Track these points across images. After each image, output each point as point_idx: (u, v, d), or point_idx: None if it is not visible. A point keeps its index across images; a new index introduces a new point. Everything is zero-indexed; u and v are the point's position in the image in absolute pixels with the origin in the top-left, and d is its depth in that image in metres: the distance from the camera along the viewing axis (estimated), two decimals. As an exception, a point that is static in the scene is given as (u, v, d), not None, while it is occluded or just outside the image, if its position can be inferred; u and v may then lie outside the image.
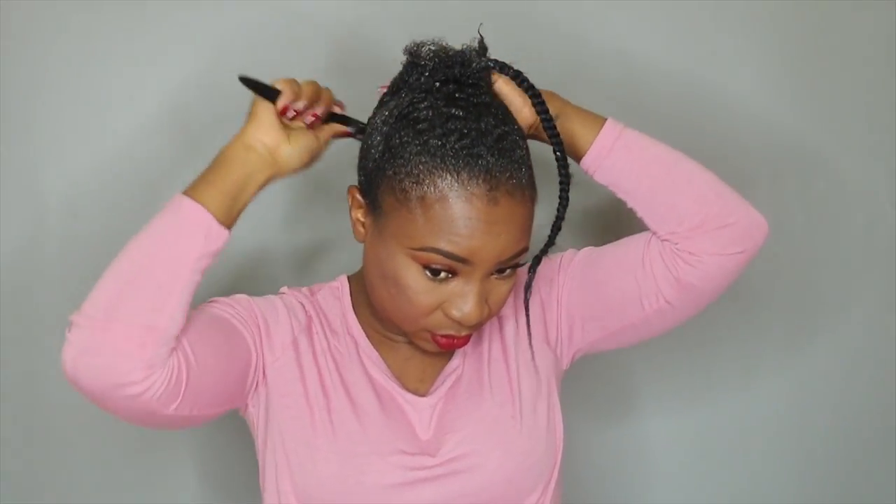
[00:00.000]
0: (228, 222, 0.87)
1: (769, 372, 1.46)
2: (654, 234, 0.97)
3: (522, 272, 0.98)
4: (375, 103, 0.95)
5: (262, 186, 0.90)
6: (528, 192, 0.87)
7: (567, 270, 1.03)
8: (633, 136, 0.96)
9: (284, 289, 1.02)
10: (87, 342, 0.81)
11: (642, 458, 1.46)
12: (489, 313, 0.91)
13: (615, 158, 0.95)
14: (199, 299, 0.90)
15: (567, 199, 0.94)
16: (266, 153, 0.89)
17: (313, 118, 0.91)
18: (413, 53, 0.90)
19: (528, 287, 0.99)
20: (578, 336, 1.03)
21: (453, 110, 0.86)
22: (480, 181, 0.84)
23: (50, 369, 1.26)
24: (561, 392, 1.04)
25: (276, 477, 0.94)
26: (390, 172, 0.87)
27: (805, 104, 1.39)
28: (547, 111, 0.92)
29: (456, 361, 0.99)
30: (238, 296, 0.96)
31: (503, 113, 0.89)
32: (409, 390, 0.96)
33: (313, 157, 0.93)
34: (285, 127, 0.91)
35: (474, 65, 0.89)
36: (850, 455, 1.51)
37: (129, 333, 0.80)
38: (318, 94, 0.91)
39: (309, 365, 0.95)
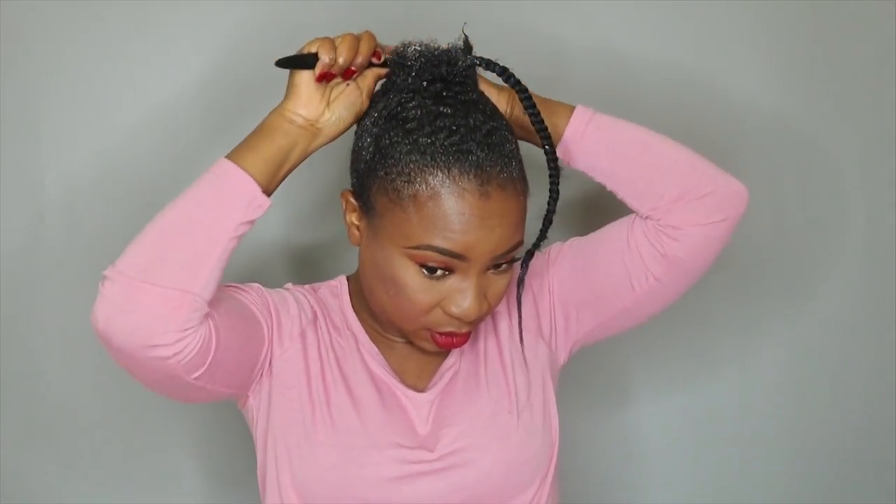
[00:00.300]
0: (270, 190, 0.87)
1: (764, 358, 1.46)
2: (637, 213, 0.98)
3: (515, 266, 0.98)
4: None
5: (307, 155, 0.90)
6: (519, 185, 0.88)
7: (556, 263, 1.03)
8: (605, 118, 0.97)
9: (289, 285, 1.02)
10: (121, 299, 0.80)
11: (639, 448, 1.47)
12: (488, 308, 0.91)
13: (589, 141, 0.96)
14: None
15: (557, 192, 0.94)
16: (307, 125, 0.88)
17: (354, 72, 0.89)
18: (399, 54, 0.91)
19: (520, 282, 0.99)
20: (573, 327, 1.04)
21: (441, 108, 0.87)
22: (472, 176, 0.85)
23: (50, 369, 1.27)
24: (558, 387, 1.04)
25: (276, 470, 0.94)
26: (381, 173, 0.87)
27: (805, 102, 1.39)
28: (534, 105, 0.93)
29: (453, 358, 1.00)
30: (253, 284, 0.96)
31: (491, 109, 0.91)
32: (407, 386, 0.97)
33: (358, 114, 0.92)
34: (325, 92, 0.89)
35: (460, 63, 0.90)
36: (847, 440, 1.51)
37: (165, 295, 0.80)
38: (355, 47, 0.88)
39: (313, 358, 0.95)
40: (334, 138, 0.91)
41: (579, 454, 1.34)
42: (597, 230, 1.03)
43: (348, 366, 0.96)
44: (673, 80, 1.33)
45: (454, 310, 0.89)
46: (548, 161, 0.93)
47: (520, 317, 1.01)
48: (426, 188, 0.85)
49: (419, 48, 0.90)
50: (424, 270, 0.87)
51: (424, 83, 0.89)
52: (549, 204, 0.94)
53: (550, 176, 0.94)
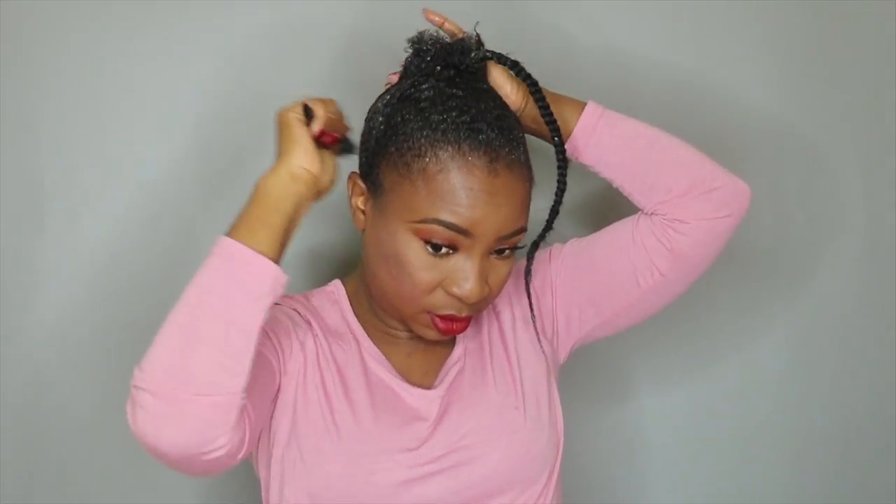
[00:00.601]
0: (280, 259, 0.84)
1: (765, 357, 1.46)
2: (642, 210, 1.00)
3: (519, 263, 1.00)
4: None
5: (303, 216, 0.88)
6: (525, 171, 0.90)
7: (557, 263, 1.04)
8: (615, 115, 0.99)
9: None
10: (168, 414, 0.77)
11: (641, 444, 1.46)
12: (489, 293, 0.91)
13: (600, 136, 0.98)
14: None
15: (565, 183, 0.96)
16: (311, 181, 0.86)
17: (333, 140, 0.90)
18: (415, 41, 0.93)
19: (527, 272, 1.00)
20: (576, 326, 1.04)
21: (454, 90, 0.89)
22: (481, 152, 0.86)
23: (50, 369, 1.26)
24: (559, 384, 1.05)
25: (280, 484, 0.94)
26: (392, 149, 0.89)
27: (805, 103, 1.39)
28: (544, 98, 0.95)
29: (458, 353, 1.00)
30: None
31: (500, 102, 0.93)
32: (414, 384, 0.97)
33: (332, 182, 0.92)
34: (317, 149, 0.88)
35: (473, 54, 0.92)
36: (847, 439, 1.50)
37: (214, 403, 0.77)
38: (339, 114, 0.90)
39: (312, 370, 0.95)
40: (323, 197, 0.90)
41: (581, 451, 1.34)
42: (597, 231, 1.04)
43: (350, 372, 0.96)
44: (674, 81, 1.34)
45: (456, 290, 0.89)
46: (556, 153, 0.95)
47: (531, 305, 1.01)
48: (436, 162, 0.86)
49: (432, 37, 0.92)
50: (429, 248, 0.88)
51: (438, 68, 0.90)
52: (556, 195, 0.96)
53: (559, 167, 0.95)
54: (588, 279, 1.02)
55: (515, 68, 0.94)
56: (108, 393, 1.28)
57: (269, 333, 0.93)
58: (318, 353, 0.95)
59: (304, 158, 0.85)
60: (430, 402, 0.96)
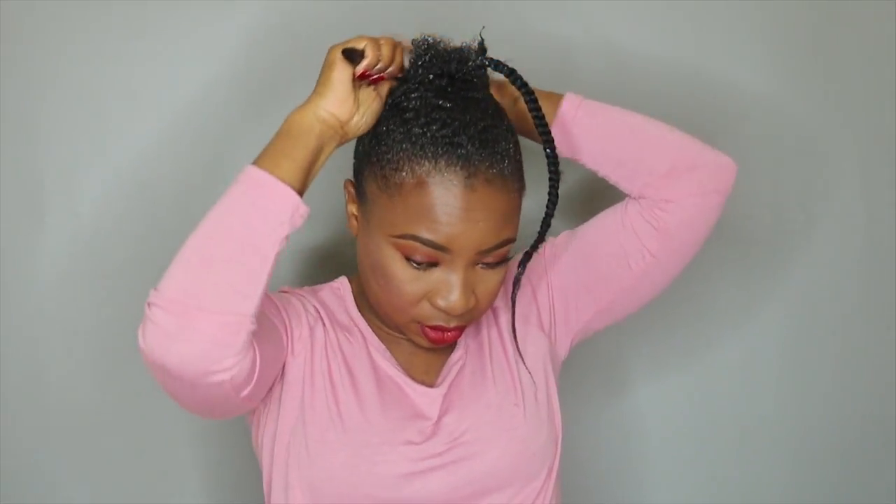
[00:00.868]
0: (303, 194, 0.85)
1: (764, 357, 1.46)
2: (629, 195, 1.00)
3: (513, 266, 0.99)
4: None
5: (328, 157, 0.88)
6: (510, 183, 0.88)
7: (551, 256, 1.05)
8: (593, 104, 0.99)
9: (286, 288, 1.02)
10: (177, 329, 0.78)
11: (639, 439, 1.47)
12: (477, 304, 0.91)
13: (580, 125, 0.98)
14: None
15: (556, 196, 0.95)
16: (338, 126, 0.87)
17: (382, 79, 0.89)
18: (418, 45, 0.92)
19: (516, 282, 1.00)
20: (574, 317, 1.05)
21: (441, 101, 0.88)
22: (458, 168, 0.85)
23: (50, 369, 1.27)
24: (559, 381, 1.05)
25: (285, 472, 0.94)
26: (374, 160, 0.89)
27: (805, 102, 1.39)
28: (539, 109, 0.93)
29: (459, 352, 1.01)
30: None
31: (494, 109, 0.91)
32: (417, 382, 0.97)
33: (376, 119, 0.91)
34: (356, 93, 0.88)
35: (470, 63, 0.91)
36: (847, 439, 1.50)
37: (224, 321, 0.78)
38: (394, 54, 0.89)
39: (320, 358, 0.95)
40: (346, 141, 0.91)
41: (579, 446, 1.34)
42: (587, 221, 1.05)
43: (357, 364, 0.96)
44: (674, 81, 1.34)
45: (440, 303, 0.89)
46: (548, 165, 0.94)
47: (513, 316, 1.01)
48: (412, 177, 0.86)
49: (431, 42, 0.91)
50: (412, 262, 0.88)
51: (431, 76, 0.89)
52: (547, 207, 0.95)
53: (550, 180, 0.94)
54: (582, 268, 1.03)
55: (511, 76, 0.93)
56: (108, 392, 1.28)
57: (280, 307, 0.94)
58: (326, 342, 0.96)
59: (333, 104, 0.85)
60: (434, 400, 0.96)
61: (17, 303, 1.24)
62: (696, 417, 1.47)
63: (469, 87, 0.90)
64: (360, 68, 0.85)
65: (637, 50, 1.32)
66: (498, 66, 0.92)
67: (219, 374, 0.79)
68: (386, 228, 0.88)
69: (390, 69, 0.89)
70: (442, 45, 0.91)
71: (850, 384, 1.49)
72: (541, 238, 0.97)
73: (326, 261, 1.30)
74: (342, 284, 1.03)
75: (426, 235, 0.86)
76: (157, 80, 1.22)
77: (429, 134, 0.86)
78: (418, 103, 0.88)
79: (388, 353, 0.98)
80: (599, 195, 1.04)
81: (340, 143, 0.89)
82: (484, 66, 0.92)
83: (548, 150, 0.94)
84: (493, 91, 0.96)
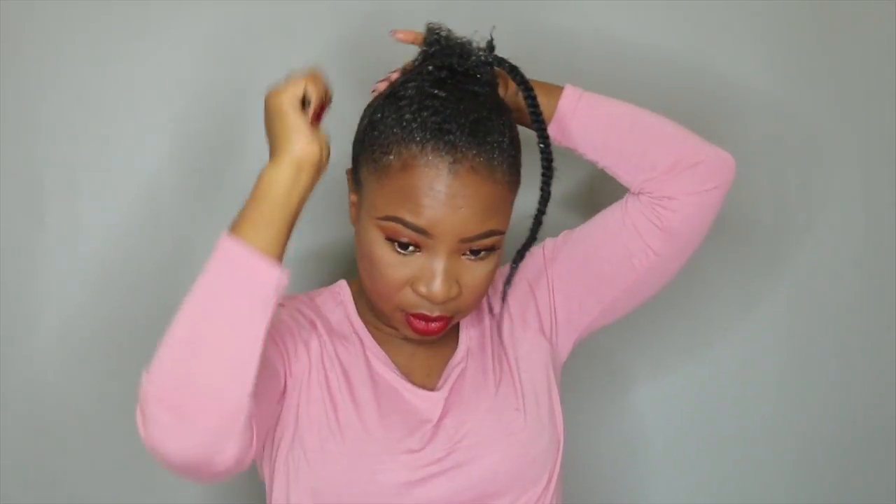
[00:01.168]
0: (282, 255, 0.82)
1: (764, 358, 1.46)
2: (629, 189, 1.00)
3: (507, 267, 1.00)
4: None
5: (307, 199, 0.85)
6: (498, 174, 0.88)
7: (553, 257, 1.04)
8: (594, 96, 0.99)
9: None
10: (175, 424, 0.76)
11: (640, 439, 1.47)
12: (460, 295, 0.90)
13: (581, 118, 0.98)
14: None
15: (549, 192, 0.95)
16: (316, 168, 0.83)
17: (321, 113, 0.87)
18: (426, 35, 0.92)
19: (507, 281, 1.00)
20: (577, 318, 1.04)
21: (436, 91, 0.88)
22: (444, 153, 0.85)
23: (50, 369, 1.26)
24: (559, 384, 1.05)
25: (286, 483, 0.94)
26: (368, 144, 0.89)
27: (805, 102, 1.39)
28: (537, 106, 0.94)
29: (460, 355, 1.00)
30: None
31: (493, 104, 0.91)
32: (417, 385, 0.97)
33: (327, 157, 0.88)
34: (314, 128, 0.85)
35: (473, 58, 0.91)
36: (847, 440, 1.51)
37: (221, 412, 0.76)
38: (325, 84, 0.87)
39: (317, 369, 0.95)
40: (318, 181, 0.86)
41: (580, 448, 1.34)
42: (587, 220, 1.05)
43: (354, 372, 0.96)
44: (675, 80, 1.34)
45: (422, 289, 0.89)
46: (542, 160, 0.94)
47: (501, 313, 1.01)
48: (398, 159, 0.86)
49: (440, 34, 0.91)
50: (396, 245, 0.88)
51: (431, 67, 0.90)
52: (540, 203, 0.95)
53: (543, 176, 0.94)
54: (584, 269, 1.02)
55: (512, 73, 0.93)
56: (108, 393, 1.28)
57: (275, 336, 0.92)
58: (322, 354, 0.95)
59: (305, 147, 0.81)
60: (435, 404, 0.96)
61: (17, 303, 1.24)
62: (697, 418, 1.47)
63: (470, 81, 0.90)
64: (312, 110, 0.83)
65: (640, 48, 1.32)
66: (500, 62, 0.93)
67: (222, 463, 0.78)
68: (372, 211, 0.89)
69: (327, 98, 0.87)
70: (450, 37, 0.92)
71: (851, 384, 1.49)
72: (533, 235, 0.97)
73: (327, 261, 1.30)
74: (342, 288, 1.03)
75: (408, 218, 0.86)
76: (158, 80, 1.22)
77: (419, 119, 0.86)
78: (413, 92, 0.88)
79: (386, 358, 0.97)
80: (599, 193, 1.04)
81: (317, 181, 0.85)
82: (487, 63, 0.92)
83: (542, 145, 0.94)
84: (500, 85, 0.95)
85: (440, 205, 0.85)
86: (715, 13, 1.34)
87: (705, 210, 0.99)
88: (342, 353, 0.96)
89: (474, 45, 0.92)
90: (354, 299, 1.01)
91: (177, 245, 1.24)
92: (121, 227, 1.24)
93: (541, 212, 0.96)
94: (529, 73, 0.97)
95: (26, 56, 1.19)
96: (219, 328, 0.77)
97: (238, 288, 0.78)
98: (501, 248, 0.92)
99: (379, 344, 0.99)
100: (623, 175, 1.00)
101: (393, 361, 0.98)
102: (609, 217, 1.02)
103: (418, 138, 0.86)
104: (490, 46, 0.94)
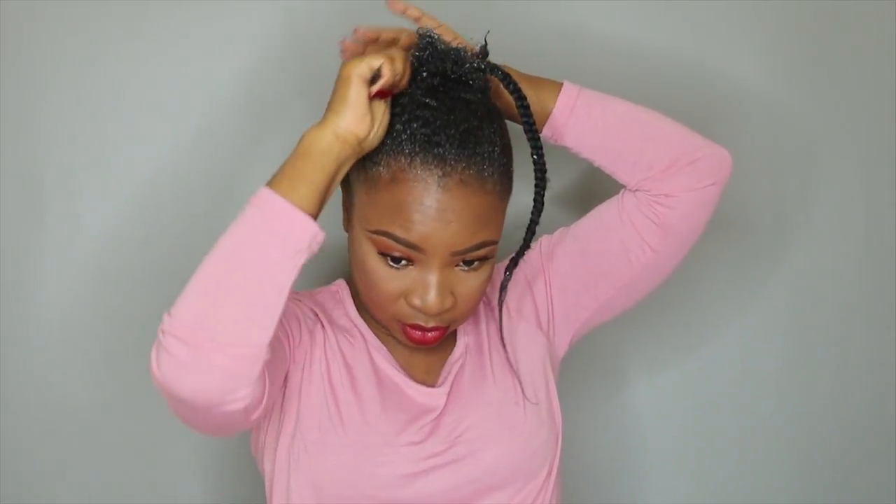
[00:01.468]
0: (318, 216, 0.82)
1: (764, 358, 1.46)
2: (626, 187, 1.00)
3: (501, 270, 1.00)
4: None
5: (344, 174, 0.86)
6: (489, 185, 0.87)
7: (549, 254, 1.04)
8: (592, 93, 0.99)
9: None
10: (192, 361, 0.77)
11: (638, 435, 1.47)
12: (455, 305, 0.91)
13: (579, 116, 0.97)
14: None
15: (542, 203, 0.95)
16: (356, 143, 0.84)
17: (389, 93, 0.87)
18: (418, 40, 0.91)
19: (503, 287, 1.00)
20: (574, 314, 1.05)
21: (428, 100, 0.87)
22: (433, 167, 0.85)
23: (50, 369, 1.27)
24: (558, 380, 1.05)
25: (287, 474, 0.94)
26: None
27: (805, 102, 1.39)
28: (531, 115, 0.93)
29: (459, 351, 1.01)
30: None
31: (485, 112, 0.90)
32: (418, 382, 0.97)
33: (387, 131, 0.88)
34: (370, 108, 0.84)
35: (466, 65, 0.90)
36: (846, 440, 1.51)
37: (240, 354, 0.78)
38: (405, 67, 0.86)
39: (319, 360, 0.95)
40: (363, 154, 0.88)
41: (578, 444, 1.35)
42: (583, 217, 1.04)
43: (357, 365, 0.96)
44: (674, 80, 1.34)
45: (416, 301, 0.89)
46: (535, 171, 0.94)
47: (500, 324, 1.01)
48: (388, 171, 0.86)
49: (431, 40, 0.90)
50: (389, 259, 0.88)
51: (424, 74, 0.89)
52: (532, 214, 0.96)
53: (536, 186, 0.94)
54: (581, 266, 1.02)
55: (505, 81, 0.92)
56: (108, 393, 1.28)
57: (282, 320, 0.92)
58: (325, 345, 0.96)
59: (353, 122, 0.82)
60: (436, 399, 0.96)
61: (17, 303, 1.24)
62: (695, 417, 1.47)
63: (463, 88, 0.89)
64: (377, 88, 0.83)
65: (639, 47, 1.32)
66: (494, 69, 0.92)
67: (233, 404, 0.79)
68: (363, 223, 0.89)
69: (404, 82, 0.87)
70: (442, 43, 0.91)
71: (851, 384, 1.49)
72: (526, 245, 0.97)
73: (327, 261, 1.30)
74: (340, 287, 1.03)
75: (399, 234, 0.86)
76: (158, 80, 1.22)
77: (409, 131, 0.86)
78: (406, 100, 0.87)
79: (388, 354, 0.98)
80: (593, 191, 1.03)
81: (361, 155, 0.87)
82: (481, 70, 0.91)
83: (535, 157, 0.94)
84: (494, 91, 0.95)
85: (430, 220, 0.85)
86: (714, 13, 1.34)
87: (703, 206, 0.99)
88: (345, 347, 0.97)
89: (464, 50, 0.91)
90: (353, 298, 1.01)
91: (176, 244, 1.24)
92: (121, 228, 1.24)
93: (534, 222, 0.96)
94: (527, 69, 0.97)
95: (26, 56, 1.19)
96: (248, 273, 0.78)
97: (271, 235, 0.79)
98: (495, 256, 0.92)
99: (380, 341, 0.99)
100: (620, 174, 0.99)
101: (394, 358, 0.99)
102: (605, 213, 1.02)
103: (407, 150, 0.85)
104: (484, 52, 0.93)
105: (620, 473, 1.48)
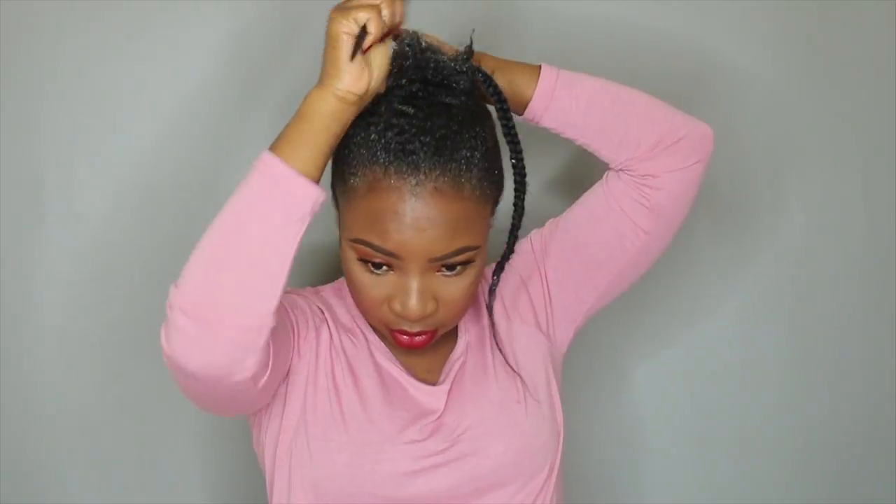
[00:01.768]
0: (320, 179, 0.82)
1: (764, 359, 1.46)
2: (610, 166, 0.98)
3: (489, 274, 1.00)
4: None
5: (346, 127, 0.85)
6: (466, 191, 0.86)
7: (541, 247, 1.04)
8: (571, 74, 0.97)
9: (289, 288, 1.02)
10: (201, 335, 0.77)
11: (639, 433, 1.47)
12: (440, 311, 0.91)
13: (560, 97, 0.96)
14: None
15: (522, 207, 0.95)
16: (357, 99, 0.83)
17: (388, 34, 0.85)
18: (399, 46, 0.89)
19: (491, 290, 1.00)
20: (574, 307, 1.05)
21: (405, 108, 0.86)
22: (407, 175, 0.85)
23: (50, 369, 1.27)
24: (560, 378, 1.05)
25: (288, 471, 0.94)
26: (339, 162, 0.89)
27: (805, 102, 1.39)
28: (510, 118, 0.92)
29: (459, 350, 1.01)
30: None
31: (466, 115, 0.89)
32: (419, 380, 0.98)
33: (385, 75, 0.87)
34: (366, 60, 0.83)
35: (446, 70, 0.89)
36: (846, 440, 1.51)
37: (247, 325, 0.78)
38: (394, 9, 0.84)
39: (324, 358, 0.96)
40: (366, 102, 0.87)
41: (580, 443, 1.35)
42: (570, 206, 1.03)
43: (360, 364, 0.97)
44: (674, 76, 1.33)
45: (397, 307, 0.89)
46: (515, 176, 0.93)
47: (493, 326, 1.01)
48: (364, 182, 0.86)
49: (413, 44, 0.88)
50: (370, 265, 0.88)
51: (404, 80, 0.88)
52: (513, 219, 0.95)
53: (516, 191, 0.94)
54: (577, 258, 1.02)
55: (486, 82, 0.91)
56: (107, 392, 1.28)
57: (287, 308, 0.94)
58: (330, 343, 0.97)
59: (351, 82, 0.81)
60: (437, 398, 0.96)
61: (17, 302, 1.24)
62: (696, 415, 1.47)
63: (445, 91, 0.88)
64: (367, 44, 0.82)
65: (640, 37, 1.32)
66: (475, 72, 0.91)
67: (241, 373, 0.80)
68: (345, 232, 0.89)
69: (396, 20, 0.85)
70: (424, 47, 0.89)
71: (851, 384, 1.49)
72: (510, 250, 0.98)
73: (327, 260, 1.30)
74: (343, 285, 1.03)
75: (376, 242, 0.86)
76: (157, 80, 1.22)
77: (383, 140, 0.85)
78: (383, 108, 0.87)
79: (389, 353, 0.98)
80: (578, 179, 1.01)
81: (360, 110, 0.86)
82: (461, 73, 0.90)
83: (514, 161, 0.93)
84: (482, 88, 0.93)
85: (406, 228, 0.85)
86: (714, 3, 1.34)
87: (688, 184, 0.99)
88: (348, 346, 0.97)
89: (445, 57, 0.89)
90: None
91: (176, 244, 1.23)
92: (120, 227, 1.24)
93: (515, 226, 0.96)
94: (516, 55, 0.96)
95: (26, 56, 1.19)
96: (251, 241, 0.79)
97: (273, 202, 0.79)
98: (482, 258, 0.92)
99: (381, 340, 0.99)
100: (605, 152, 0.98)
101: (395, 357, 0.99)
102: (593, 201, 1.01)
103: (382, 160, 0.85)
104: (469, 51, 0.92)
105: (621, 472, 1.48)
